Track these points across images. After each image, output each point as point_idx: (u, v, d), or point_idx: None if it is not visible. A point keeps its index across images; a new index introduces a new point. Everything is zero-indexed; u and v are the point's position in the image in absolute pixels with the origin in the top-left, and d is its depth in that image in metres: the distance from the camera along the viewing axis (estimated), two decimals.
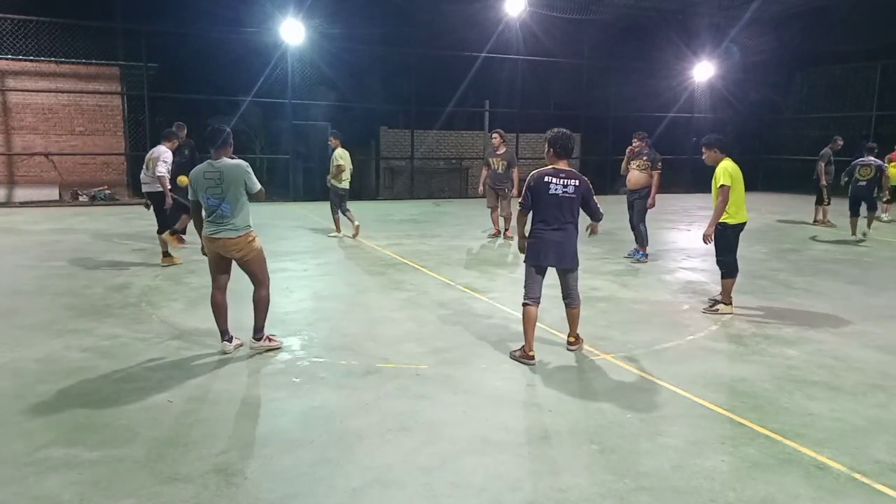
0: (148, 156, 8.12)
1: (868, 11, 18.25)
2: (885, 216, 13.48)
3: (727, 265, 6.22)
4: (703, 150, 6.31)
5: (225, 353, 4.89)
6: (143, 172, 8.16)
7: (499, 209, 10.66)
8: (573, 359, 4.95)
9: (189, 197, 4.88)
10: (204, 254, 4.93)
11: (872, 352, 5.20)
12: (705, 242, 6.17)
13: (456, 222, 13.12)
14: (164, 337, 5.29)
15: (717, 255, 6.30)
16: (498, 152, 10.44)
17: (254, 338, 4.96)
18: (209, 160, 4.77)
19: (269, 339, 5.03)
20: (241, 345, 5.01)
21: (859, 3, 18.16)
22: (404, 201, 17.34)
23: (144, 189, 8.17)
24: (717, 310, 6.26)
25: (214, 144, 4.75)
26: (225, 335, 4.92)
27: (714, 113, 21.33)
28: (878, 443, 3.61)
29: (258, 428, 3.72)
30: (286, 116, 16.60)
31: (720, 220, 6.09)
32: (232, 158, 4.79)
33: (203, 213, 4.80)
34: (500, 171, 10.39)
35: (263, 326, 4.97)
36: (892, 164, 13.44)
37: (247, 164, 4.80)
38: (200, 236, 4.90)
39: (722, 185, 5.99)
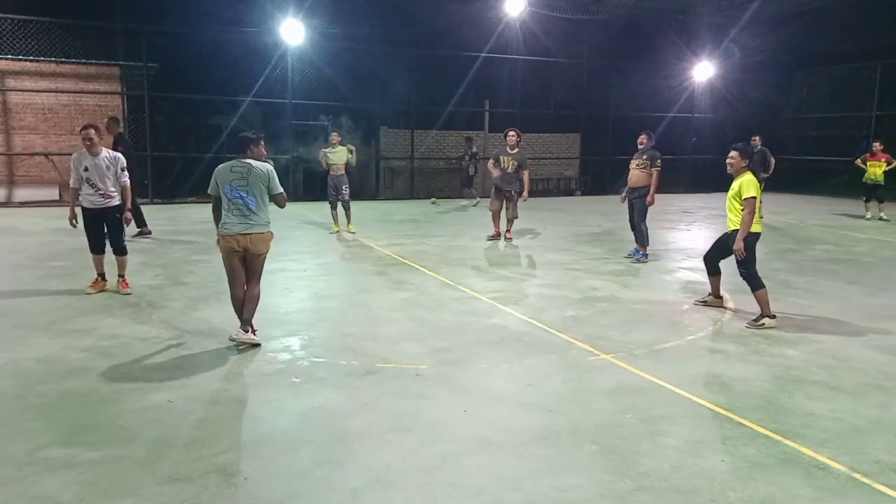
0: None
1: (868, 11, 18.22)
2: (883, 215, 13.48)
3: (753, 277, 5.90)
4: (736, 155, 5.96)
5: (237, 340, 4.99)
6: None
7: (504, 210, 10.43)
8: (573, 359, 4.95)
9: (209, 191, 5.04)
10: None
11: (872, 352, 5.20)
12: (739, 257, 5.84)
13: (456, 222, 13.11)
14: (164, 337, 5.29)
15: (741, 269, 5.92)
16: (511, 151, 10.21)
17: (242, 328, 5.00)
18: (237, 158, 5.03)
19: (254, 332, 5.08)
20: (256, 340, 5.05)
21: (859, 3, 18.14)
22: (404, 201, 17.33)
23: None
24: (763, 324, 5.78)
25: (240, 149, 5.07)
26: (246, 323, 5.03)
27: (714, 113, 21.32)
28: (878, 443, 3.61)
29: (258, 428, 3.72)
30: (286, 116, 16.60)
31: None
32: (259, 159, 5.06)
33: (227, 211, 4.95)
34: (510, 170, 10.17)
35: (251, 318, 5.09)
36: (870, 163, 13.45)
37: (272, 167, 5.08)
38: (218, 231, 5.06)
39: (751, 198, 5.78)
